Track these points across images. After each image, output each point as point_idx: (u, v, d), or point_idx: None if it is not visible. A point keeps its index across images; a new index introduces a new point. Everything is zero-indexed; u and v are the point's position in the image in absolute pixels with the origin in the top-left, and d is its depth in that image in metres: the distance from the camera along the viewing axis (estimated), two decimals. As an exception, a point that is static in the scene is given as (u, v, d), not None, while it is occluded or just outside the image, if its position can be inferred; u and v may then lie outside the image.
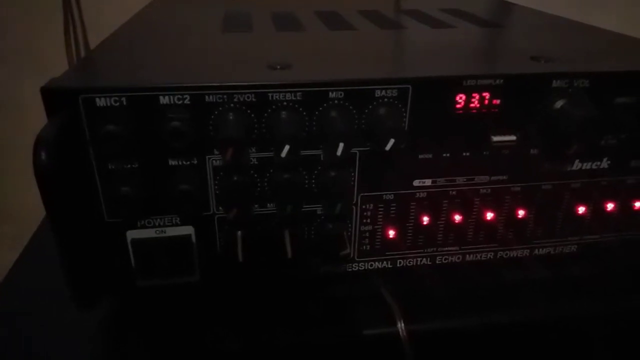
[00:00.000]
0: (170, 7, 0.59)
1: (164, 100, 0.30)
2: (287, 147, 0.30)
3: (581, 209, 0.39)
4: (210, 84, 0.30)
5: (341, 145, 0.31)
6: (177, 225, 0.34)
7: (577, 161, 0.37)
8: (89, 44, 0.77)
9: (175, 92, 0.30)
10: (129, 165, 0.31)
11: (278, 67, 0.34)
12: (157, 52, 0.39)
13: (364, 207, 0.36)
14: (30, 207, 0.82)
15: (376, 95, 0.32)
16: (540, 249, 0.40)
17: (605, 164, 0.37)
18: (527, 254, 0.40)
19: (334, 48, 0.42)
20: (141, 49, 0.40)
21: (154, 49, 0.40)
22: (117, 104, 0.29)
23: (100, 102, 0.29)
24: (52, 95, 0.29)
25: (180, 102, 0.30)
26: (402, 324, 0.35)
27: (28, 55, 0.74)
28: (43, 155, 0.27)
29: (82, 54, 0.77)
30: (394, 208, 0.36)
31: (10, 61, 0.75)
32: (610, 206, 0.39)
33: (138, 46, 0.41)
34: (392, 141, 0.31)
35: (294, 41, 0.44)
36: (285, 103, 0.31)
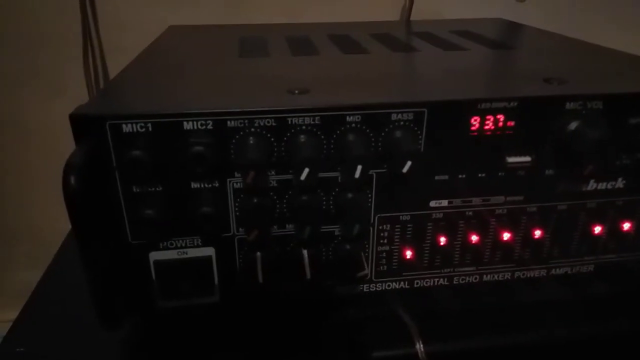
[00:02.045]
0: (186, 34, 0.61)
1: (187, 125, 0.31)
2: (306, 170, 0.31)
3: (597, 229, 0.39)
4: (232, 110, 0.31)
5: (359, 167, 0.31)
6: (198, 246, 0.35)
7: (592, 181, 0.37)
8: (107, 68, 0.79)
9: (199, 118, 0.31)
10: (153, 189, 0.32)
11: (296, 91, 0.34)
12: (178, 78, 0.40)
13: (381, 227, 0.36)
14: (46, 228, 0.84)
15: (392, 119, 0.33)
16: (557, 269, 0.40)
17: (620, 183, 0.38)
18: (545, 274, 0.40)
19: (349, 72, 0.43)
20: (162, 75, 0.41)
21: (174, 75, 0.41)
22: (143, 129, 0.30)
23: (127, 128, 0.30)
24: (80, 122, 0.30)
25: (203, 127, 0.31)
26: (421, 345, 0.35)
27: (46, 78, 0.76)
28: (72, 180, 0.28)
29: (101, 77, 0.79)
30: (410, 229, 0.37)
31: (29, 85, 0.77)
32: (626, 226, 0.39)
33: (159, 73, 0.42)
34: (409, 163, 0.32)
35: (310, 65, 0.45)
36: (304, 127, 0.32)
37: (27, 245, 0.87)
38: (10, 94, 0.77)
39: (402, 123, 0.33)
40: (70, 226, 0.29)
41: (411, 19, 0.76)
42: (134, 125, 0.30)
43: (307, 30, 0.61)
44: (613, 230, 0.39)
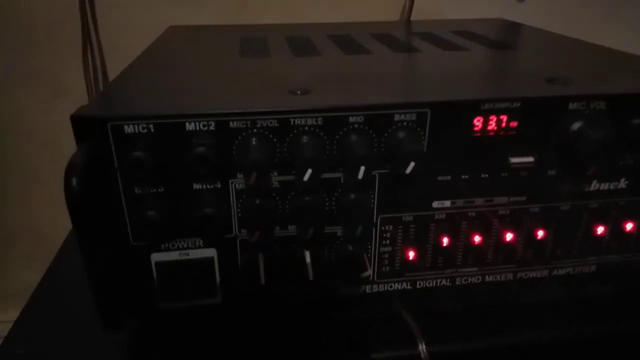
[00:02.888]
0: (186, 34, 0.60)
1: (189, 126, 0.31)
2: (309, 171, 0.31)
3: (600, 229, 0.39)
4: (235, 111, 0.31)
5: (362, 168, 0.31)
6: (200, 247, 0.34)
7: (595, 182, 0.37)
8: (107, 68, 0.78)
9: (201, 119, 0.31)
10: (155, 190, 0.32)
11: (299, 92, 0.34)
12: (179, 79, 0.40)
13: (383, 228, 0.36)
14: (47, 229, 0.83)
15: (395, 120, 0.33)
16: (560, 270, 0.40)
17: (623, 184, 0.38)
18: (547, 275, 0.40)
19: (351, 72, 0.43)
20: (163, 76, 0.41)
21: (176, 76, 0.41)
22: (145, 130, 0.30)
23: (129, 129, 0.30)
24: (82, 123, 0.30)
25: (206, 128, 0.31)
26: (424, 346, 0.35)
27: (46, 79, 0.76)
28: (74, 182, 0.28)
29: (100, 77, 0.79)
30: (413, 229, 0.37)
31: (29, 85, 0.77)
32: (629, 226, 0.39)
33: (160, 73, 0.42)
34: (412, 164, 0.32)
35: (312, 66, 0.45)
36: (306, 128, 0.32)
37: (28, 246, 0.87)
38: (10, 94, 0.77)
39: (405, 124, 0.33)
40: (71, 226, 0.29)
41: (411, 19, 0.75)
42: (136, 126, 0.30)
43: (308, 30, 0.61)
44: (616, 230, 0.39)
